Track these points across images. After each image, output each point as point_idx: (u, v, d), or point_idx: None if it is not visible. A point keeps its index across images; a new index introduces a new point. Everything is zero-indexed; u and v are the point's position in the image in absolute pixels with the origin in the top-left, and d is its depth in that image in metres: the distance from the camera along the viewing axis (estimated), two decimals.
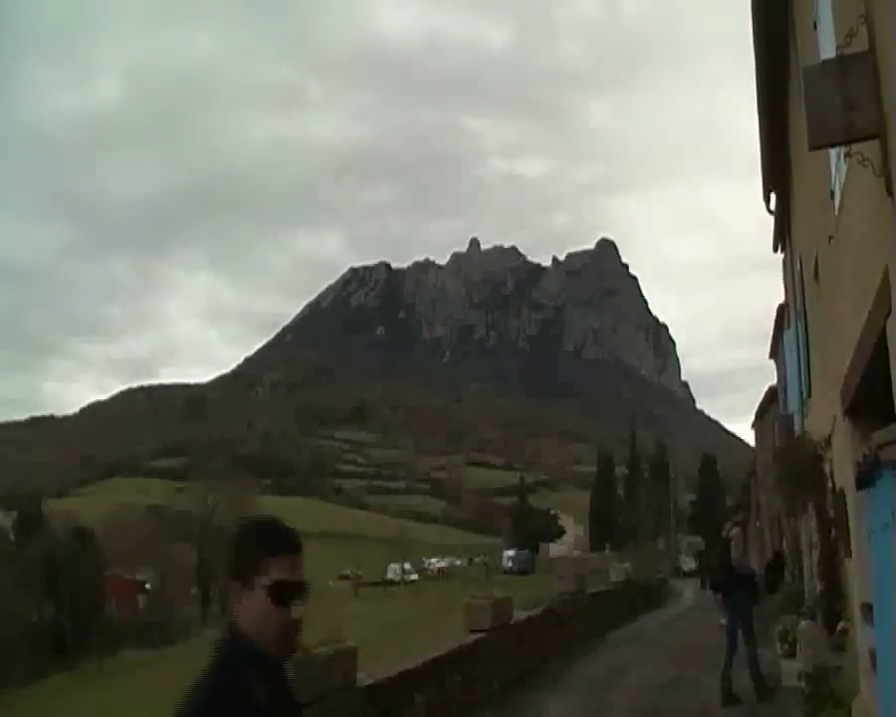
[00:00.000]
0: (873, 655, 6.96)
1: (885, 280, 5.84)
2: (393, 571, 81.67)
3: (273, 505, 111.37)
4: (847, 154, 6.63)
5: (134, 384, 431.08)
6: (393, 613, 33.64)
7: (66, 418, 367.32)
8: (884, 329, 6.07)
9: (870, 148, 5.78)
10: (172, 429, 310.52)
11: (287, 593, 2.41)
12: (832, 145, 6.72)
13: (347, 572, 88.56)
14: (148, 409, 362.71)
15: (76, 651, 55.84)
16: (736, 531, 14.01)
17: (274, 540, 2.47)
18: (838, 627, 12.33)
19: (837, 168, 8.25)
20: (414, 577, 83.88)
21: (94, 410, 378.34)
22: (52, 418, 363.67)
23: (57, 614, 60.47)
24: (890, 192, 5.49)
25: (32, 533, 64.82)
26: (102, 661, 45.32)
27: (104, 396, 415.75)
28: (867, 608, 7.49)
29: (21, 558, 60.79)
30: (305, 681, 7.46)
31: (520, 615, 16.07)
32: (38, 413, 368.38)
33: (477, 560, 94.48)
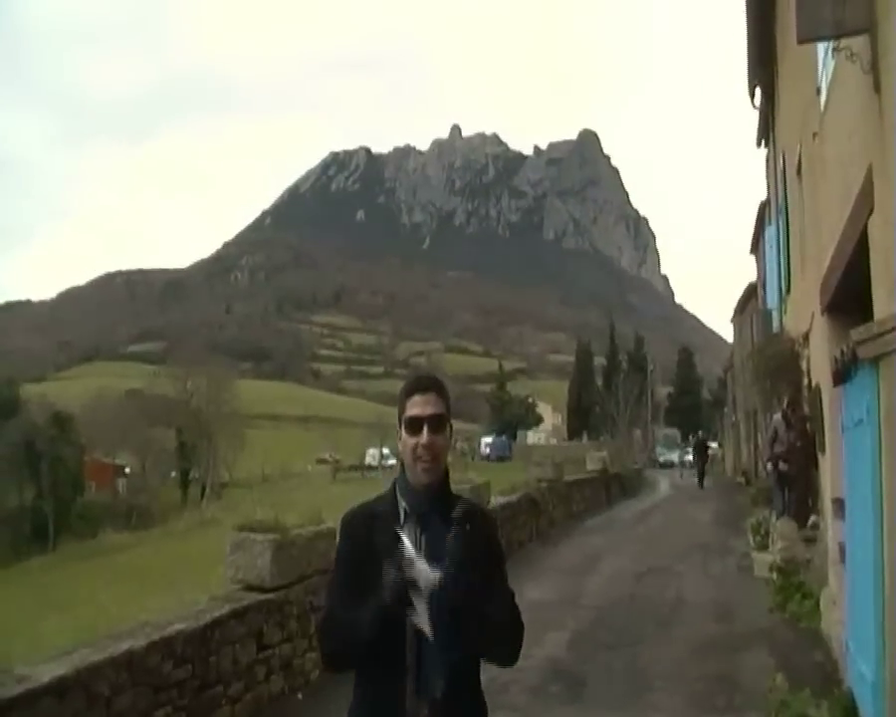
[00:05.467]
0: (842, 548, 7.05)
1: (868, 178, 5.75)
2: (371, 455, 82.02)
3: (251, 389, 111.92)
4: (836, 49, 6.46)
5: (112, 269, 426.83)
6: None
7: (42, 303, 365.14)
8: (866, 227, 6.00)
9: (859, 44, 5.65)
10: (151, 314, 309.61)
11: (415, 423, 2.74)
12: (821, 39, 6.62)
13: (326, 456, 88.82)
14: (126, 294, 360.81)
15: (56, 534, 56.40)
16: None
17: (407, 385, 2.84)
18: (810, 522, 12.49)
19: (824, 64, 8.12)
20: (392, 461, 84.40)
21: (71, 295, 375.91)
22: (28, 303, 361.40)
23: (37, 498, 60.84)
24: (878, 89, 5.39)
25: (10, 418, 64.63)
26: (81, 544, 45.71)
27: (81, 281, 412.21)
28: (838, 503, 7.55)
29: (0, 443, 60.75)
30: (285, 562, 7.54)
31: (497, 501, 16.23)
32: (14, 298, 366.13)
33: (458, 445, 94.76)
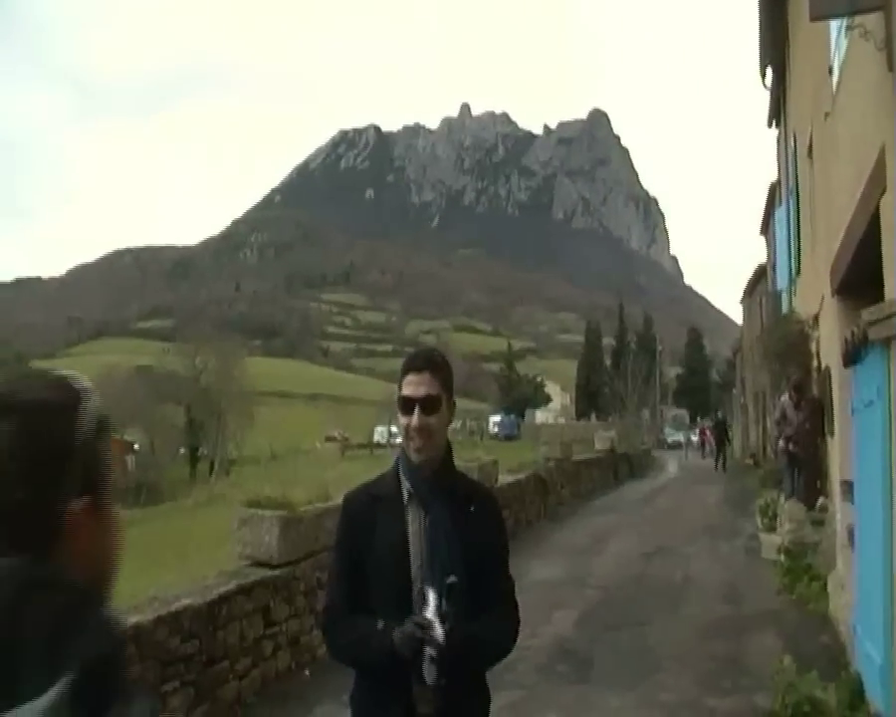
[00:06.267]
0: (851, 531, 7.02)
1: (881, 158, 5.69)
2: (380, 433, 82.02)
3: (261, 366, 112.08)
4: (849, 27, 6.39)
5: (121, 246, 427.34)
6: None
7: (52, 280, 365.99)
8: (877, 208, 5.92)
9: (873, 21, 5.57)
10: (160, 291, 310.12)
11: (408, 404, 2.69)
12: (835, 17, 6.55)
13: (334, 433, 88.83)
14: (136, 271, 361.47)
15: None
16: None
17: (404, 363, 2.77)
18: (818, 504, 12.46)
19: (837, 43, 8.04)
20: (400, 439, 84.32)
21: (81, 272, 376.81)
22: (38, 280, 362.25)
23: None
24: (891, 67, 5.31)
25: None
26: None
27: (91, 258, 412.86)
28: (847, 486, 7.52)
29: None
30: (293, 538, 7.55)
31: (506, 479, 16.25)
32: (24, 275, 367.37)
33: (468, 424, 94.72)
